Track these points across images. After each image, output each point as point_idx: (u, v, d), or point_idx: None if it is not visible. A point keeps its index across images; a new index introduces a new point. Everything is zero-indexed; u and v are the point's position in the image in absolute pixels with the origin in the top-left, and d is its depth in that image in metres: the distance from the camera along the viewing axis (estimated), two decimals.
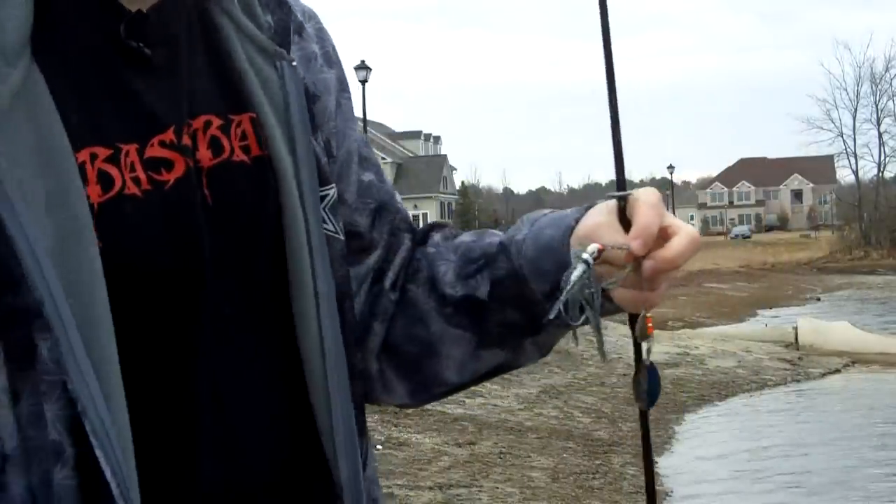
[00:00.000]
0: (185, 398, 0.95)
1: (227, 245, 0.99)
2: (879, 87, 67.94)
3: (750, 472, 8.92)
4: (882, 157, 67.48)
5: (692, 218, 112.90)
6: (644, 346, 1.01)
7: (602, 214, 1.02)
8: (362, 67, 33.61)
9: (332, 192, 1.07)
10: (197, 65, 1.02)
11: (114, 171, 0.93)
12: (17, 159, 0.87)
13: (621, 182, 1.03)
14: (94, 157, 0.92)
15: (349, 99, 1.17)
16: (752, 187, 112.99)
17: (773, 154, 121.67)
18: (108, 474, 0.86)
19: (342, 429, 1.02)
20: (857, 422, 10.68)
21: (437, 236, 1.21)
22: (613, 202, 1.01)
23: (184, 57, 1.00)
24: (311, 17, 1.16)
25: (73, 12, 0.95)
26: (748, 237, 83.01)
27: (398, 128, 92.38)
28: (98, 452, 0.86)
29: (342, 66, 1.18)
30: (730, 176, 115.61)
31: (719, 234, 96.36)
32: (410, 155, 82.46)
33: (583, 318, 0.97)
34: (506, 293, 1.11)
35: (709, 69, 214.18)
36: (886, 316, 23.91)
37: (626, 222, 1.00)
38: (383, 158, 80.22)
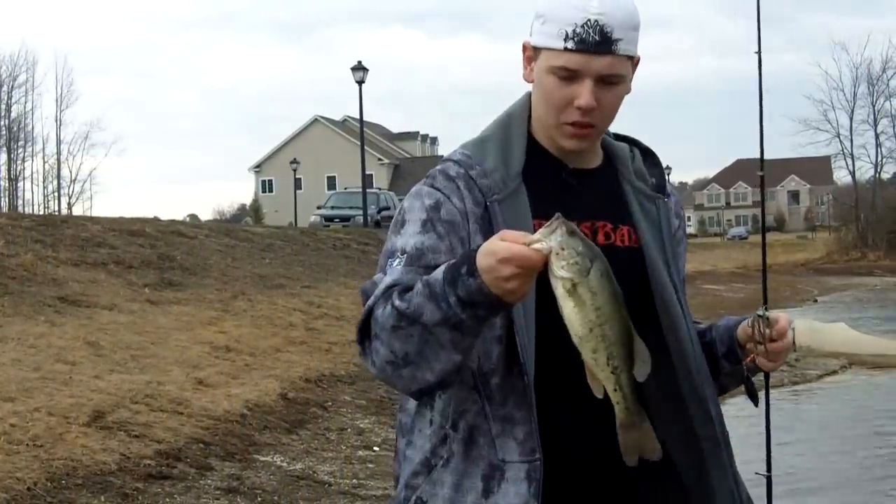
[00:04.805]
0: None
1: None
2: (876, 88, 67.74)
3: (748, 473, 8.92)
4: (879, 158, 67.42)
5: (689, 219, 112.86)
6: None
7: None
8: (359, 68, 33.54)
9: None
10: (601, 196, 2.02)
11: None
12: (510, 224, 1.83)
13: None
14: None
15: (685, 252, 2.18)
16: (749, 188, 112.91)
17: (769, 155, 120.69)
18: (519, 346, 1.83)
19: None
20: (855, 424, 10.69)
21: None
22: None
23: (596, 190, 2.02)
24: (678, 200, 2.13)
25: (541, 163, 2.00)
26: (745, 238, 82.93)
27: (395, 129, 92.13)
28: (517, 338, 1.84)
29: (685, 230, 2.20)
30: (727, 177, 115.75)
31: (716, 235, 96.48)
32: (407, 156, 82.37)
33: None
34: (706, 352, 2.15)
35: (705, 71, 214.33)
36: (884, 317, 23.93)
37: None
38: (380, 159, 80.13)
